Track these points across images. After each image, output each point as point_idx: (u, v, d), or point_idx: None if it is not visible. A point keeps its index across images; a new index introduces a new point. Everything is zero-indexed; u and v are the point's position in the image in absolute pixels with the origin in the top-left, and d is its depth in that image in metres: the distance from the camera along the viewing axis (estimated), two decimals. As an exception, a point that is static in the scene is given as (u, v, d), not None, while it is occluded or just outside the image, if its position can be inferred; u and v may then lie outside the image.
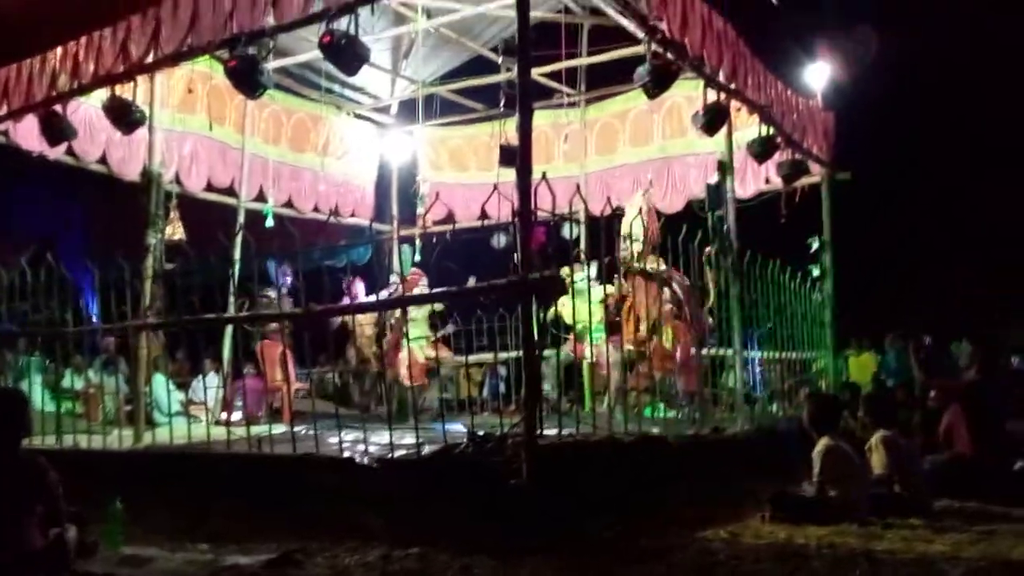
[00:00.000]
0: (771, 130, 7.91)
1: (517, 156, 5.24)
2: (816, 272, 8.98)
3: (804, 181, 8.92)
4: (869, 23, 14.62)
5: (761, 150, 7.99)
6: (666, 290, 7.61)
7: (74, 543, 4.08)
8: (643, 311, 7.25)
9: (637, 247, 7.53)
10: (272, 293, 8.58)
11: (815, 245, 9.07)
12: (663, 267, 7.42)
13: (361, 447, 5.47)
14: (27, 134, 8.00)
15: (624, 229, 7.75)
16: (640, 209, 7.71)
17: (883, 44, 14.56)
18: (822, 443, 5.51)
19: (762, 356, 8.26)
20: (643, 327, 7.35)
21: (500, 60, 9.80)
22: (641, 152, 10.36)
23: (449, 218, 9.71)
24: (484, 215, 6.53)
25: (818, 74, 9.10)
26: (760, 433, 6.79)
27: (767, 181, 9.22)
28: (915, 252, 14.69)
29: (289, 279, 8.90)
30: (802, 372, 8.56)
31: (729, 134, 7.70)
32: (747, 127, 8.14)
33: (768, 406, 7.94)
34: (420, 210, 10.78)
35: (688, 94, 8.93)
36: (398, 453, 5.27)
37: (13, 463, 3.93)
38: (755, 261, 7.23)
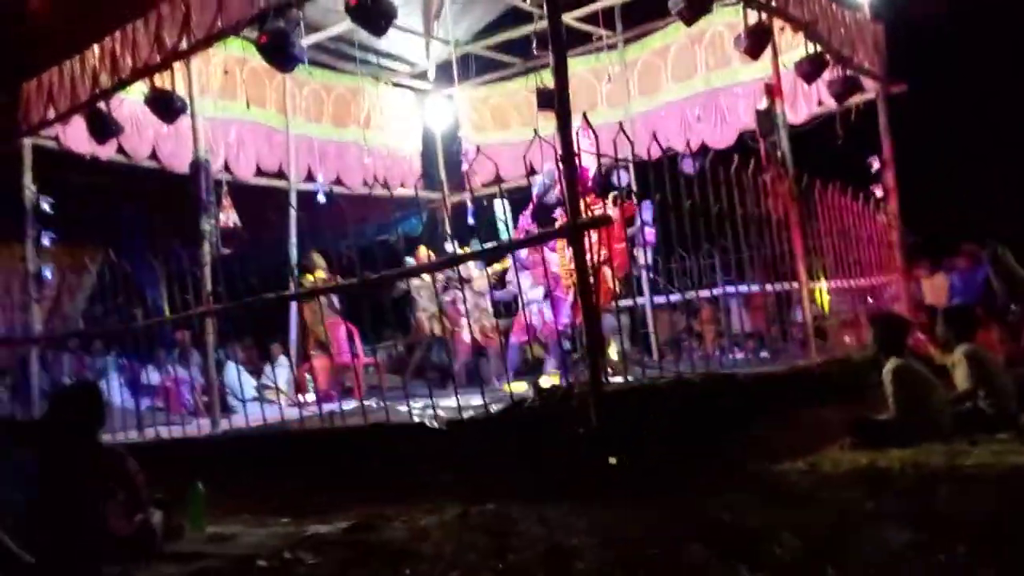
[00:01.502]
0: (818, 47, 7.61)
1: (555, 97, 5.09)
2: (879, 192, 8.68)
3: (857, 98, 8.54)
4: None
5: (810, 69, 7.70)
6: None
7: (160, 527, 4.18)
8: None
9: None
10: None
11: (876, 164, 8.75)
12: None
13: (430, 412, 5.50)
14: (77, 137, 8.18)
15: None
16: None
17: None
18: (890, 364, 5.35)
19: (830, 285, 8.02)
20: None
21: (532, 8, 9.58)
22: (686, 87, 10.08)
23: (497, 178, 9.60)
24: (531, 171, 6.41)
25: (864, -17, 8.71)
26: (832, 364, 6.62)
27: (819, 103, 8.89)
28: (983, 160, 14.02)
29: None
30: (873, 298, 8.30)
31: (775, 56, 7.43)
32: (793, 49, 7.86)
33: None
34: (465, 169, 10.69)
35: (728, 21, 8.67)
36: (467, 414, 5.29)
37: (91, 451, 4.03)
38: (813, 186, 7.00)
